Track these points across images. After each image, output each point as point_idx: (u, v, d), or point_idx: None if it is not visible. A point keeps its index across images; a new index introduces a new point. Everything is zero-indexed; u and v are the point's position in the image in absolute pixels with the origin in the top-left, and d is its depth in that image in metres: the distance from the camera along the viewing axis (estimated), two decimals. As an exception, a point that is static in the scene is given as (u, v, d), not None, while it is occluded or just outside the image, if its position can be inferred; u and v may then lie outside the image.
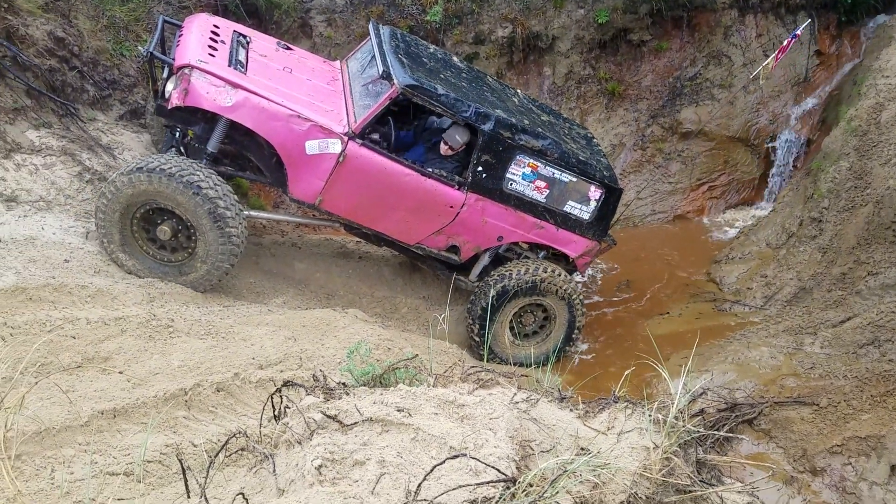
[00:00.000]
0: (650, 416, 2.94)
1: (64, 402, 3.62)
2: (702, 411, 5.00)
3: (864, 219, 7.00)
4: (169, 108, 5.45)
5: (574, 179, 6.27)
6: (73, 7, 6.94)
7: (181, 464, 2.67)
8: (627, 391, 3.54)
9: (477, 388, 3.02)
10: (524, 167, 6.10)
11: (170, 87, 5.52)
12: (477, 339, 6.45)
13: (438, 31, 9.35)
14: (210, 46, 5.76)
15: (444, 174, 6.02)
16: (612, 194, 6.47)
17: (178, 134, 5.94)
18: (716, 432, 4.45)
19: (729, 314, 7.23)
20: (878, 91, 7.78)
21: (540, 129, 6.25)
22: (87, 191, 6.13)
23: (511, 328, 6.62)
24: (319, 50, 9.54)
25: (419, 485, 2.25)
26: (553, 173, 6.19)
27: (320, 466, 2.34)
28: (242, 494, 2.40)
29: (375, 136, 5.88)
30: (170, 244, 5.63)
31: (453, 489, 2.24)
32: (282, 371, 4.56)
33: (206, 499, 2.45)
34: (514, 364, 6.25)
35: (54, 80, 6.45)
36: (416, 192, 5.94)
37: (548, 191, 6.25)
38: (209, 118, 5.64)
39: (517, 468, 2.47)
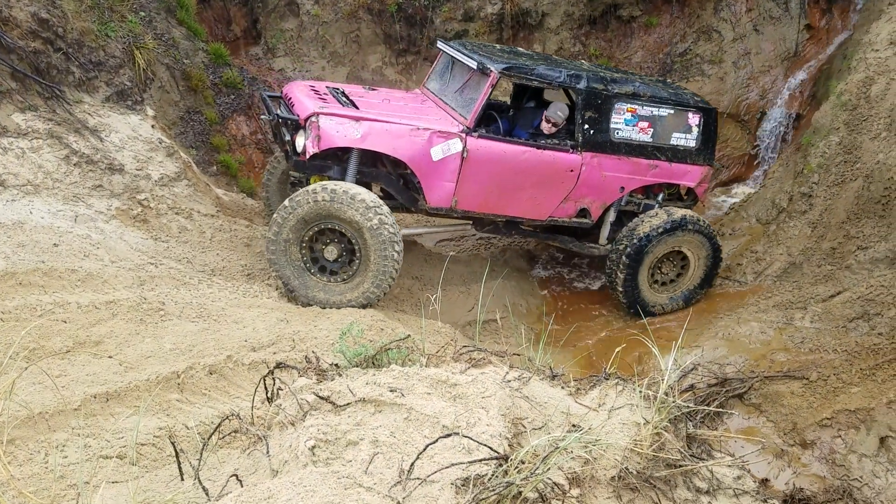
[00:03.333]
0: (641, 392, 2.96)
1: (56, 386, 3.62)
2: (692, 387, 5.03)
3: (854, 193, 7.01)
4: (307, 158, 5.81)
5: (672, 111, 6.60)
6: (56, -13, 6.85)
7: (174, 446, 2.68)
8: (618, 368, 3.57)
9: (469, 368, 3.03)
10: (624, 113, 6.45)
11: (301, 140, 5.83)
12: (621, 290, 6.74)
13: (427, 9, 9.28)
14: (320, 98, 6.15)
15: (557, 142, 6.38)
16: (709, 116, 6.80)
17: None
18: (706, 407, 4.49)
19: (719, 291, 7.25)
20: (868, 65, 7.76)
21: (624, 78, 6.68)
22: (75, 174, 6.08)
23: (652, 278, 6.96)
24: (307, 28, 9.47)
25: (412, 464, 2.26)
26: (651, 111, 6.54)
27: (314, 447, 2.36)
28: (236, 476, 2.41)
29: (483, 131, 6.22)
30: (331, 266, 5.84)
31: (446, 467, 2.26)
32: (274, 353, 4.56)
33: (199, 480, 2.46)
34: (655, 310, 6.85)
35: (39, 63, 6.37)
36: (537, 165, 6.27)
37: (651, 129, 6.59)
38: (340, 158, 6.01)
39: (509, 445, 2.48)
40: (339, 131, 5.75)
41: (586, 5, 9.39)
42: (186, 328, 4.68)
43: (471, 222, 6.74)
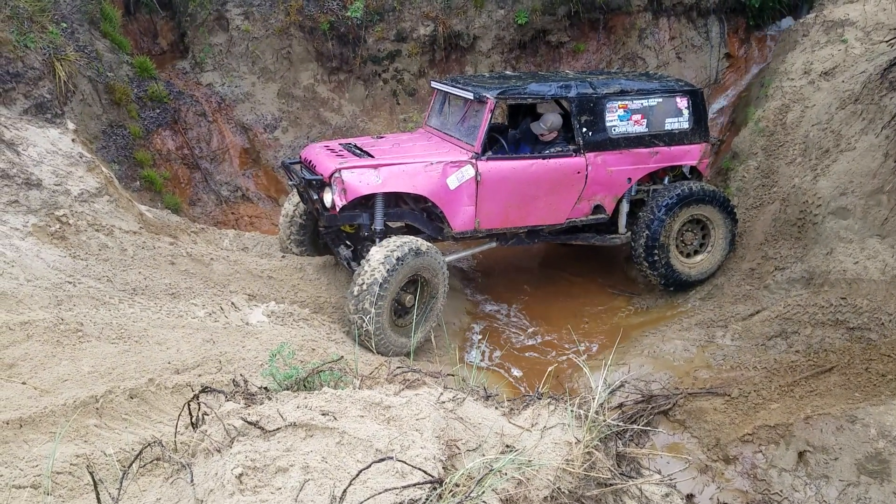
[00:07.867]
0: (572, 411, 2.98)
1: (-37, 413, 3.41)
2: (621, 405, 5.11)
3: (771, 216, 7.31)
4: (338, 211, 6.15)
5: (660, 100, 7.03)
6: (-29, -5, 6.56)
7: (91, 475, 2.55)
8: (551, 387, 3.59)
9: (403, 389, 3.00)
10: (617, 111, 6.88)
11: (328, 196, 6.18)
12: (652, 272, 7.22)
13: (360, 28, 9.28)
14: (337, 155, 6.47)
15: (560, 149, 6.79)
16: (696, 97, 7.24)
17: (343, 244, 6.80)
18: (634, 426, 4.56)
19: (644, 310, 7.43)
20: (784, 93, 8.14)
21: (609, 79, 7.11)
22: (-12, 189, 5.79)
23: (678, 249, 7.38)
24: (236, 43, 9.33)
25: (344, 490, 2.21)
26: (641, 104, 6.96)
27: (241, 475, 2.28)
28: (159, 506, 2.31)
29: (490, 153, 6.61)
30: (405, 310, 6.26)
31: (380, 493, 2.22)
32: (200, 375, 4.41)
33: (119, 512, 2.35)
34: (694, 284, 7.35)
35: (-50, 72, 6.08)
36: (546, 174, 6.67)
37: (645, 120, 7.01)
38: (367, 205, 6.35)
39: (444, 468, 2.46)
40: (362, 181, 6.11)
41: (516, 30, 9.56)
42: (106, 350, 4.49)
43: (495, 240, 7.03)
